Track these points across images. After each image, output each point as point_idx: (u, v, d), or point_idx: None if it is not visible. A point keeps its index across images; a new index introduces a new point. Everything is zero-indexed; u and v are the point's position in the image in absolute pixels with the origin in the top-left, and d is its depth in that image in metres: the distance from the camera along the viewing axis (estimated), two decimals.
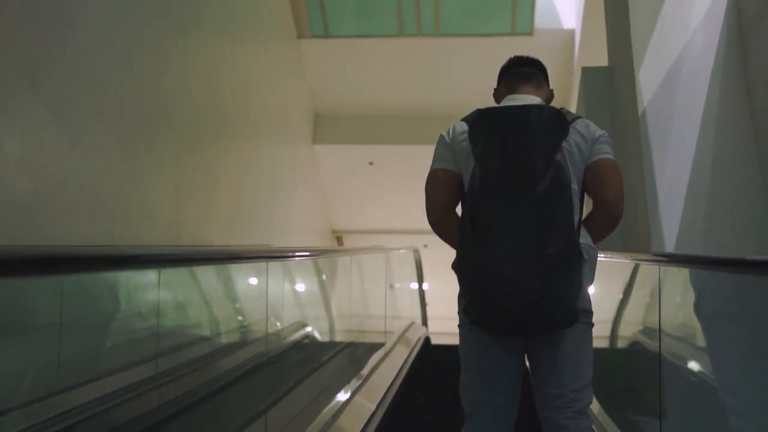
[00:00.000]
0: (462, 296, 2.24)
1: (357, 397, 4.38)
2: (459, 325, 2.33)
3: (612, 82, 6.05)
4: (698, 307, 2.38)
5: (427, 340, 7.80)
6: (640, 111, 5.06)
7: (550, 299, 2.07)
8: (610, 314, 3.65)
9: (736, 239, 4.17)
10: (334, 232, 14.48)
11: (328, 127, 12.59)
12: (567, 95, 11.43)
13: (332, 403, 3.94)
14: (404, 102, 12.42)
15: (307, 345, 4.27)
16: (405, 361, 5.74)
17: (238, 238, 8.99)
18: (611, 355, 3.84)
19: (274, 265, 3.59)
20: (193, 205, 7.54)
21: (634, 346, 3.48)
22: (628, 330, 3.52)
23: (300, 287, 4.42)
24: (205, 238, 7.93)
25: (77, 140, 5.28)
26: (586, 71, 6.35)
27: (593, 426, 2.25)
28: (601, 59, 6.93)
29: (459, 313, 2.29)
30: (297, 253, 3.98)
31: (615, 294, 3.70)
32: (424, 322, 8.87)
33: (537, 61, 2.46)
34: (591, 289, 2.35)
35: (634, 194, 4.97)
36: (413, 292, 8.76)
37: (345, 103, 12.56)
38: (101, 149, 5.64)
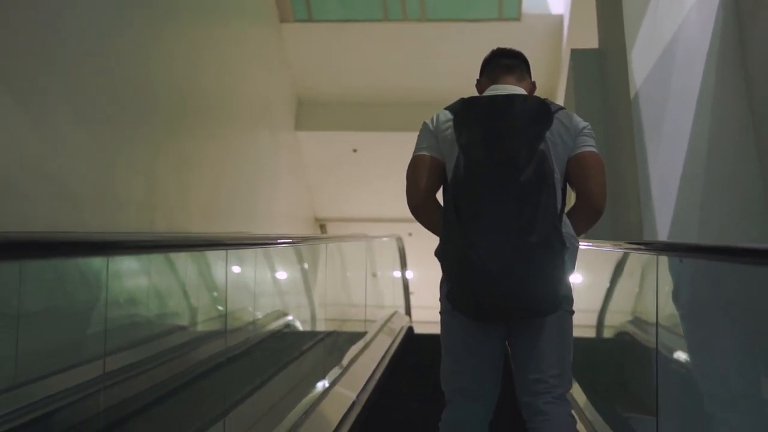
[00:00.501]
0: (444, 282, 2.26)
1: (336, 388, 4.18)
2: (441, 312, 2.33)
3: (603, 65, 5.85)
4: (677, 296, 2.39)
5: (410, 329, 7.59)
6: (632, 94, 4.86)
7: (532, 286, 2.10)
8: (597, 304, 3.59)
9: (733, 227, 3.99)
10: (317, 220, 14.25)
11: (312, 113, 12.34)
12: (555, 82, 11.24)
13: (310, 395, 3.73)
14: (389, 88, 12.20)
15: (283, 335, 4.05)
16: (386, 352, 5.54)
17: (217, 226, 8.76)
18: (598, 345, 3.75)
19: (248, 254, 3.38)
20: (167, 192, 7.30)
21: (622, 337, 3.39)
22: (616, 320, 3.45)
23: (276, 276, 4.20)
24: (181, 225, 7.69)
25: (41, 123, 5.01)
26: (576, 54, 6.14)
27: (573, 412, 2.25)
28: (590, 45, 6.72)
29: (441, 299, 2.31)
30: (262, 242, 3.61)
31: (601, 283, 3.63)
32: (408, 312, 8.65)
33: (519, 54, 2.46)
34: (573, 278, 2.34)
35: (626, 181, 4.78)
36: (396, 280, 8.54)
37: (328, 90, 12.31)
38: (68, 133, 5.38)
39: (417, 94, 12.02)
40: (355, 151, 12.76)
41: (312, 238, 5.42)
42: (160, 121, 7.09)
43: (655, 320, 2.58)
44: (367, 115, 12.29)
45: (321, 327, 4.65)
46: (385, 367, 5.06)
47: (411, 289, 13.13)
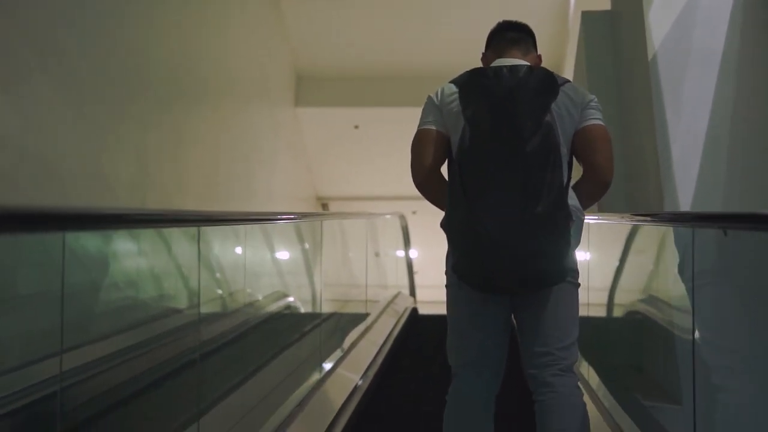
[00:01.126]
0: (451, 255, 2.25)
1: (337, 372, 3.91)
2: (447, 284, 2.33)
3: (616, 27, 5.49)
4: (682, 270, 2.36)
5: (414, 311, 7.31)
6: (649, 56, 4.51)
7: (538, 258, 2.11)
8: (610, 281, 3.44)
9: (762, 194, 3.67)
10: (319, 198, 13.95)
11: (312, 89, 11.98)
12: (563, 51, 10.86)
13: (306, 382, 3.45)
14: (391, 62, 11.82)
15: (278, 318, 3.76)
16: (389, 335, 5.25)
17: (215, 205, 8.47)
18: (608, 325, 3.59)
19: (239, 232, 3.11)
20: (160, 171, 7.00)
21: (633, 316, 3.22)
22: (627, 298, 3.28)
23: (271, 255, 3.91)
24: (175, 204, 7.40)
25: (21, 99, 4.70)
26: (587, 16, 5.79)
27: (579, 383, 2.26)
28: (602, 7, 6.36)
29: (447, 272, 2.31)
30: (239, 218, 3.17)
31: (614, 259, 3.46)
32: (412, 292, 8.37)
33: (525, 26, 2.45)
34: (584, 254, 2.38)
35: (644, 150, 4.46)
36: (400, 260, 8.24)
37: (329, 64, 11.93)
38: (51, 110, 5.06)
39: (420, 68, 11.61)
40: (356, 127, 12.41)
41: (300, 216, 5.07)
42: (151, 97, 6.77)
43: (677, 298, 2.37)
44: (368, 90, 11.93)
45: (319, 309, 4.36)
46: (388, 352, 4.78)
47: (415, 268, 12.94)
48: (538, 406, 2.23)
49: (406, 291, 8.07)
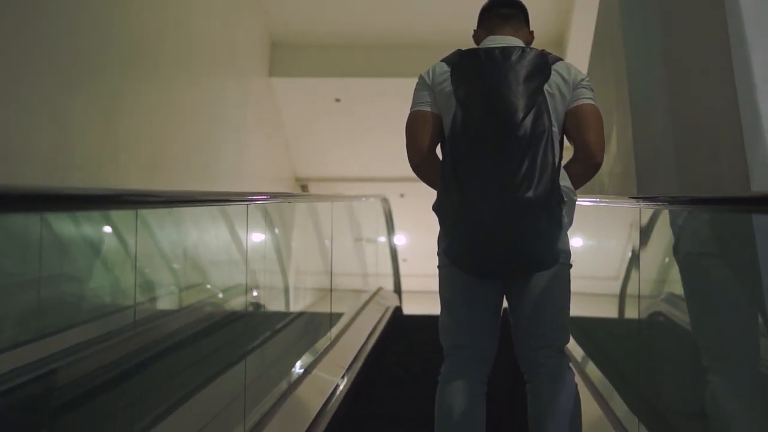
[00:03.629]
0: (443, 237, 2.27)
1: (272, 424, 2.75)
2: (438, 266, 2.35)
3: None
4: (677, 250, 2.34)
5: (398, 310, 6.18)
6: None
7: (530, 241, 2.13)
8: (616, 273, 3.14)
9: None
10: (298, 180, 12.77)
11: (288, 57, 10.74)
12: (567, 18, 9.68)
13: None
14: (376, 28, 10.57)
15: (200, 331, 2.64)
16: (358, 353, 4.11)
17: (167, 185, 7.30)
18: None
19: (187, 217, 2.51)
20: (87, 143, 5.83)
21: (655, 318, 2.76)
22: (644, 299, 2.77)
23: (210, 244, 2.85)
24: (113, 185, 6.22)
25: None
26: None
27: (570, 364, 2.29)
28: None
29: (439, 254, 2.33)
30: (181, 199, 2.43)
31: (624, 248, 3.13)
32: (397, 288, 7.21)
33: (518, 2, 2.44)
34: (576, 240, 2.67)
35: (711, 112, 3.31)
36: (382, 249, 7.07)
37: (307, 29, 10.64)
38: None
39: (408, 35, 10.45)
40: (338, 100, 11.22)
41: (242, 198, 3.89)
42: (83, 55, 5.60)
43: None
44: (351, 58, 10.73)
45: (258, 331, 3.21)
46: (353, 381, 3.62)
47: (403, 256, 11.95)
48: (530, 387, 2.27)
49: (389, 286, 6.90)
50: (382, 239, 6.99)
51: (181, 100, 7.72)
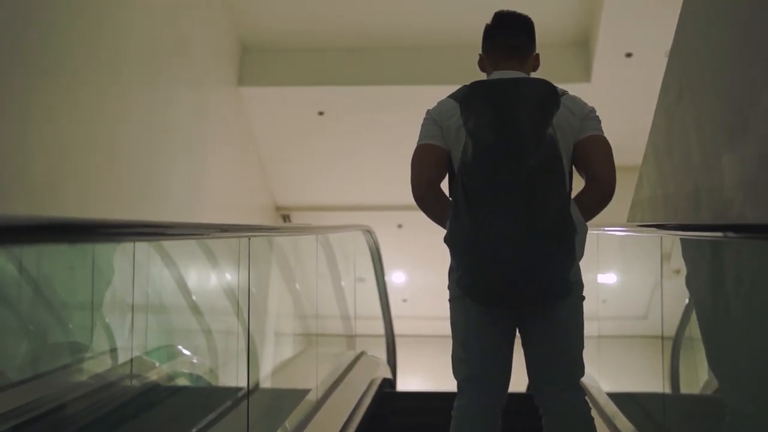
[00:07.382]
0: (455, 269, 2.27)
1: None
2: (450, 299, 2.36)
3: None
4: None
5: (384, 385, 4.42)
6: None
7: (542, 272, 2.13)
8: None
9: None
10: (278, 209, 11.08)
11: (261, 62, 9.16)
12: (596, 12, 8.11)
13: None
14: (365, 29, 9.00)
15: None
16: None
17: (96, 213, 5.67)
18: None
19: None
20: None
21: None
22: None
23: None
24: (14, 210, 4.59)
25: None
26: None
27: (587, 398, 2.28)
28: None
29: (450, 286, 2.35)
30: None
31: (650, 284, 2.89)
32: (390, 347, 5.42)
33: (523, 23, 2.40)
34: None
35: None
36: (367, 298, 5.29)
37: (283, 30, 9.03)
38: None
39: (400, 37, 8.97)
40: (321, 113, 9.57)
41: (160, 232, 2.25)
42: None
43: None
44: (336, 64, 9.16)
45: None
46: None
47: (402, 295, 10.21)
48: (545, 422, 2.26)
49: (378, 351, 5.11)
50: (365, 282, 5.20)
51: (127, 116, 6.17)
